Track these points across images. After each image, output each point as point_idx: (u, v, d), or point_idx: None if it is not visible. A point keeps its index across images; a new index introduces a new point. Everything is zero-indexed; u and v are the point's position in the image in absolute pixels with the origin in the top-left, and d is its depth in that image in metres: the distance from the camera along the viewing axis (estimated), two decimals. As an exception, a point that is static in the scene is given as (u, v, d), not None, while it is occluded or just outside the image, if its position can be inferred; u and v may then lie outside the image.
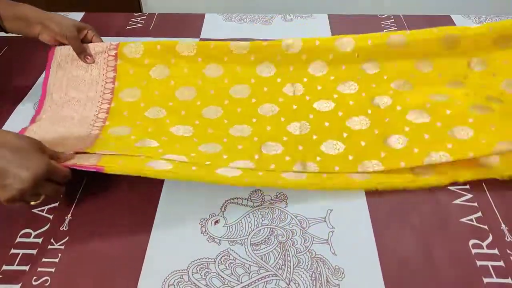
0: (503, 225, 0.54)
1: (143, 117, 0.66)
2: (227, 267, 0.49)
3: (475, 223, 0.54)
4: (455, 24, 0.92)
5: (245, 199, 0.57)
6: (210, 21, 0.94)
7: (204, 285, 0.48)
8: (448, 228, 0.53)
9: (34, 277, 0.48)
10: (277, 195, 0.57)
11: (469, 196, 0.57)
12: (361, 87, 0.70)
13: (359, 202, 0.56)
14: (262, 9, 1.48)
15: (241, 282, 0.48)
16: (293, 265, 0.50)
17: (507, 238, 0.52)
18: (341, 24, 0.92)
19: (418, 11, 1.00)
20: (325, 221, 0.54)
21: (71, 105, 0.68)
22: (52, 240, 0.52)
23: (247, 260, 0.50)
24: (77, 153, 0.57)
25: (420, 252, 0.51)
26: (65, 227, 0.54)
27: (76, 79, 0.71)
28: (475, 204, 0.56)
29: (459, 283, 0.48)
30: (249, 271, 0.49)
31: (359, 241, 0.52)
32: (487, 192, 0.57)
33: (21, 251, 0.51)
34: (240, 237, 0.53)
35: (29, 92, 0.74)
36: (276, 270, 0.49)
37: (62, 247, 0.51)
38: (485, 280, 0.48)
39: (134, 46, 0.73)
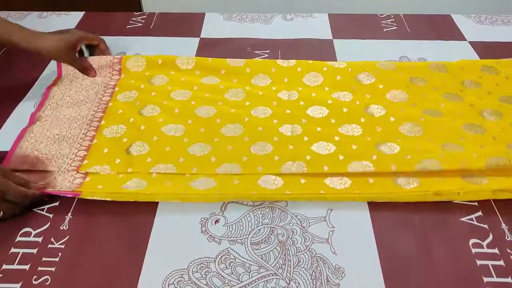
0: (503, 225, 0.54)
1: (137, 115, 0.67)
2: (227, 266, 0.49)
3: (475, 222, 0.54)
4: (455, 24, 0.92)
5: (245, 198, 0.57)
6: (210, 21, 0.94)
7: (204, 284, 0.48)
8: (448, 228, 0.53)
9: (35, 276, 0.48)
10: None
11: (469, 195, 0.57)
12: (356, 96, 0.71)
13: (360, 202, 0.56)
14: (262, 8, 1.48)
15: (241, 281, 0.48)
16: (293, 265, 0.50)
17: (507, 237, 0.52)
18: (341, 23, 0.92)
19: (419, 11, 1.00)
20: (325, 221, 0.54)
21: (70, 106, 0.70)
22: (52, 239, 0.52)
23: (247, 260, 0.50)
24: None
25: (420, 251, 0.51)
26: (65, 226, 0.54)
27: (80, 85, 0.74)
28: (475, 203, 0.56)
29: (459, 282, 0.48)
30: (249, 270, 0.49)
31: (359, 241, 0.52)
32: (487, 191, 0.57)
33: (21, 250, 0.51)
34: (240, 236, 0.53)
35: (29, 92, 0.74)
36: (276, 270, 0.49)
37: (62, 246, 0.51)
38: (485, 279, 0.48)
39: (136, 60, 0.76)
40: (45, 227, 0.53)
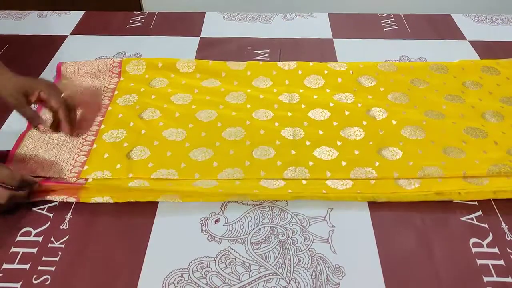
0: (503, 224, 0.54)
1: (137, 119, 0.67)
2: (228, 266, 0.49)
3: (475, 222, 0.54)
4: (455, 23, 0.92)
5: (245, 198, 0.57)
6: (211, 20, 0.94)
7: (205, 284, 0.48)
8: (448, 227, 0.53)
9: (35, 276, 0.48)
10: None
11: (470, 195, 0.57)
12: (358, 98, 0.70)
13: (360, 201, 0.56)
14: (263, 8, 1.48)
15: (242, 281, 0.48)
16: (294, 264, 0.50)
17: (507, 236, 0.52)
18: (342, 23, 0.92)
19: (419, 10, 1.00)
20: (326, 220, 0.54)
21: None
22: (52, 239, 0.52)
23: (248, 259, 0.50)
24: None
25: (421, 250, 0.51)
26: (65, 226, 0.54)
27: (80, 88, 0.73)
28: (475, 203, 0.56)
29: (459, 281, 0.48)
30: (249, 270, 0.49)
31: (359, 240, 0.52)
32: (487, 191, 0.57)
33: (21, 250, 0.51)
34: (240, 236, 0.53)
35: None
36: (276, 269, 0.49)
37: (63, 245, 0.51)
38: (485, 278, 0.48)
39: (136, 63, 0.76)
40: (45, 227, 0.53)
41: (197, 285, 0.47)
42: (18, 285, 0.48)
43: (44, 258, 0.50)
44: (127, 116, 0.67)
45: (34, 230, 0.53)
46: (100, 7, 1.08)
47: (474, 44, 0.86)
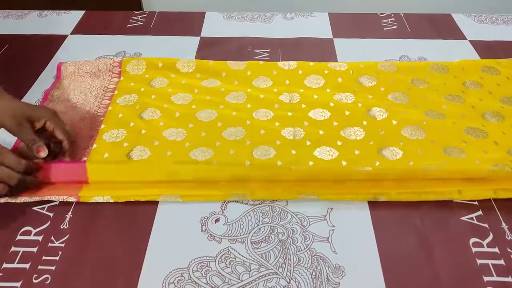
0: (503, 224, 0.54)
1: (137, 119, 0.67)
2: (228, 265, 0.49)
3: (475, 222, 0.54)
4: (455, 23, 0.92)
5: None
6: (211, 19, 0.94)
7: (205, 283, 0.48)
8: (448, 227, 0.53)
9: (35, 275, 0.48)
10: (277, 194, 0.57)
11: (470, 194, 0.57)
12: (358, 98, 0.71)
13: (360, 201, 0.56)
14: (263, 7, 1.48)
15: (242, 280, 0.48)
16: (294, 264, 0.50)
17: (508, 236, 0.52)
18: (342, 22, 0.92)
19: (419, 10, 1.00)
20: (326, 220, 0.54)
21: (68, 106, 0.69)
22: (52, 238, 0.52)
23: (248, 259, 0.50)
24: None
25: (421, 250, 0.51)
26: (66, 225, 0.54)
27: (79, 88, 0.73)
28: (476, 202, 0.56)
29: (460, 281, 0.48)
30: (249, 270, 0.49)
31: (360, 240, 0.52)
32: (487, 190, 0.57)
33: (21, 249, 0.51)
34: (240, 235, 0.53)
35: (29, 91, 0.74)
36: (276, 269, 0.49)
37: (63, 245, 0.51)
38: (486, 278, 0.48)
39: (136, 63, 0.76)
40: (45, 226, 0.53)
41: (197, 284, 0.47)
42: (18, 284, 0.48)
43: (44, 258, 0.50)
44: (127, 116, 0.67)
45: (34, 229, 0.53)
46: (100, 7, 1.08)
47: (475, 43, 0.86)
